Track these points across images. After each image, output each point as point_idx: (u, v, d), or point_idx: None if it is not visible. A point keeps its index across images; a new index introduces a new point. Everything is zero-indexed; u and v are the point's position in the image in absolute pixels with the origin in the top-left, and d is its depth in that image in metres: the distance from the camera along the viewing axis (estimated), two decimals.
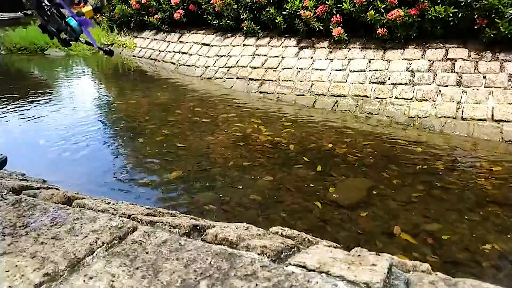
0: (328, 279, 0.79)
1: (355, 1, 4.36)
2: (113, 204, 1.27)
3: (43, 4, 1.29)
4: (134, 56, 7.06)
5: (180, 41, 6.51)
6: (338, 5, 4.55)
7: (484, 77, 3.66)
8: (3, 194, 1.20)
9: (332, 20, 4.62)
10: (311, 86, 4.41)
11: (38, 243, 0.92)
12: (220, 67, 5.41)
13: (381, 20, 4.25)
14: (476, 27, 3.84)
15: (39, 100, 4.53)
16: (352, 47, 4.61)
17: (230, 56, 5.47)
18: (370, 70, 4.25)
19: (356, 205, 2.25)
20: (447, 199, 2.32)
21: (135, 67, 6.59)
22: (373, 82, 4.12)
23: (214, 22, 5.96)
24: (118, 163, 2.87)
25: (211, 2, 5.87)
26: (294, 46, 5.03)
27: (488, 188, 2.44)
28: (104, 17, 8.09)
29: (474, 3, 3.73)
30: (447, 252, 1.85)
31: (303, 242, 1.13)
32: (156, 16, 6.86)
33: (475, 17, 3.80)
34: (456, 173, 2.67)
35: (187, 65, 5.91)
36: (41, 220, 1.03)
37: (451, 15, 3.91)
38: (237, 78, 5.04)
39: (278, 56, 4.99)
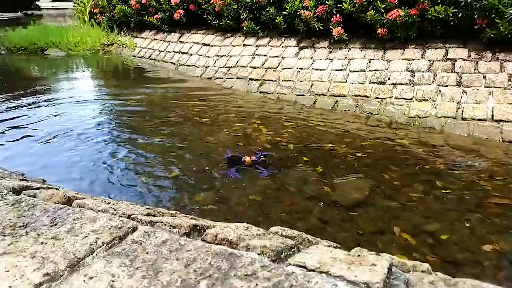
0: (328, 279, 0.79)
1: (355, 1, 4.36)
2: (113, 204, 1.27)
3: None
4: (134, 56, 7.06)
5: (180, 41, 6.51)
6: (338, 5, 4.55)
7: (484, 77, 3.66)
8: (3, 194, 1.20)
9: (332, 20, 4.62)
10: (311, 86, 4.41)
11: (38, 243, 0.92)
12: (220, 67, 5.41)
13: (381, 20, 4.25)
14: (476, 27, 3.84)
15: (38, 100, 4.53)
16: (352, 47, 4.61)
17: (230, 56, 5.47)
18: (370, 70, 4.25)
19: (356, 205, 2.25)
20: (447, 199, 2.32)
21: (135, 67, 6.59)
22: (373, 82, 4.12)
23: (214, 22, 5.96)
24: (118, 163, 2.87)
25: (211, 2, 5.87)
26: (294, 46, 5.03)
27: (488, 188, 2.44)
28: (104, 17, 8.09)
29: (474, 3, 3.73)
30: (447, 252, 1.85)
31: (303, 242, 1.13)
32: (156, 16, 6.85)
33: (475, 17, 3.80)
34: (456, 173, 2.67)
35: (187, 65, 5.91)
36: (41, 220, 1.03)
37: (451, 15, 3.91)
38: (237, 78, 5.04)
39: (278, 56, 4.99)
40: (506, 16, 3.60)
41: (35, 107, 4.24)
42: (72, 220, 1.03)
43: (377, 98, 3.97)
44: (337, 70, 4.43)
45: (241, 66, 5.18)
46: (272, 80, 4.72)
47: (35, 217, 1.05)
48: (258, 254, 0.90)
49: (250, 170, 2.68)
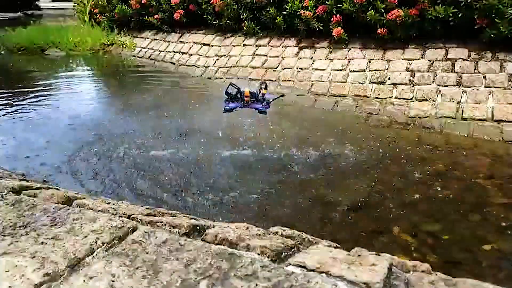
0: (328, 279, 0.79)
1: (355, 1, 4.36)
2: (113, 204, 1.27)
3: None
4: (134, 56, 7.05)
5: (180, 41, 6.51)
6: (338, 5, 4.54)
7: (484, 77, 3.66)
8: (3, 194, 1.20)
9: (332, 20, 4.62)
10: (311, 86, 4.41)
11: (38, 243, 0.92)
12: (220, 67, 5.41)
13: (381, 20, 4.25)
14: (476, 27, 3.84)
15: (38, 100, 4.52)
16: (352, 47, 4.61)
17: (230, 56, 5.47)
18: (370, 70, 4.24)
19: (356, 205, 2.25)
20: (447, 199, 2.32)
21: (135, 67, 6.59)
22: (373, 82, 4.12)
23: (214, 22, 5.95)
24: (118, 163, 2.87)
25: (211, 2, 5.86)
26: (294, 46, 5.03)
27: (488, 188, 2.44)
28: (104, 17, 8.08)
29: (474, 3, 3.72)
30: (447, 252, 1.85)
31: (303, 242, 1.12)
32: (156, 16, 6.85)
33: (475, 17, 3.80)
34: (456, 173, 2.67)
35: (187, 65, 5.91)
36: (41, 220, 1.03)
37: (451, 15, 3.90)
38: (237, 78, 5.04)
39: (278, 56, 4.98)
40: (506, 16, 3.60)
41: (34, 107, 4.23)
42: (72, 220, 1.03)
43: (377, 98, 3.97)
44: (337, 70, 4.43)
45: (241, 66, 5.18)
46: (272, 80, 4.72)
47: (35, 217, 1.05)
48: (258, 254, 0.90)
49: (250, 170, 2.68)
